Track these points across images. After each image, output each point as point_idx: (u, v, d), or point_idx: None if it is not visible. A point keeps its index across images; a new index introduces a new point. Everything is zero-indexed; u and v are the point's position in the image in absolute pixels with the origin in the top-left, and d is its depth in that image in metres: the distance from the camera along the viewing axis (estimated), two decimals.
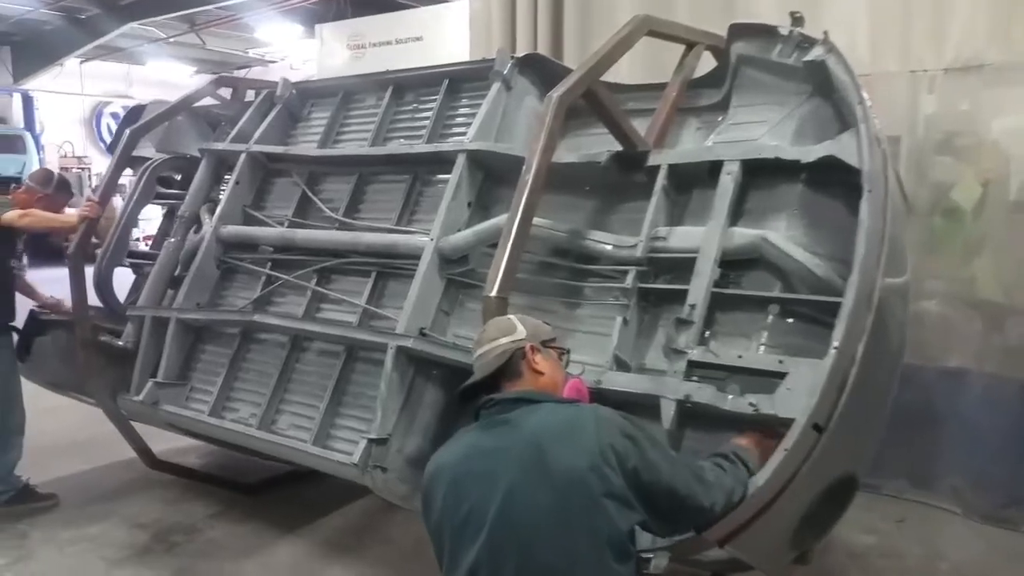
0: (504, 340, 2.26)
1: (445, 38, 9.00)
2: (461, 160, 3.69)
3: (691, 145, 3.55)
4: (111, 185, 4.63)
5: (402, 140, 4.27)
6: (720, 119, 3.57)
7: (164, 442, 5.36)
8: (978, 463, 4.70)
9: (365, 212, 4.22)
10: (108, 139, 21.63)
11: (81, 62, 20.04)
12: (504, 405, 2.15)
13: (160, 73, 21.15)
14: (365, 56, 9.95)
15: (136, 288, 5.48)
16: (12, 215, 4.49)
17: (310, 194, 4.38)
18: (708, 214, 3.11)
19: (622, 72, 4.51)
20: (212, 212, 4.71)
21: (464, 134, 3.95)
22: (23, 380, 4.90)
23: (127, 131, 4.63)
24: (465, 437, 2.20)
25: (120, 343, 4.60)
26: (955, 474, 4.79)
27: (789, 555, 3.01)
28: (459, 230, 3.65)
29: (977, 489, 4.73)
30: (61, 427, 6.18)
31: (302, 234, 4.20)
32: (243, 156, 4.59)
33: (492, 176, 3.81)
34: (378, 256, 3.91)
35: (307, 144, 4.60)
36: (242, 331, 4.23)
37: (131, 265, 5.05)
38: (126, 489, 5.39)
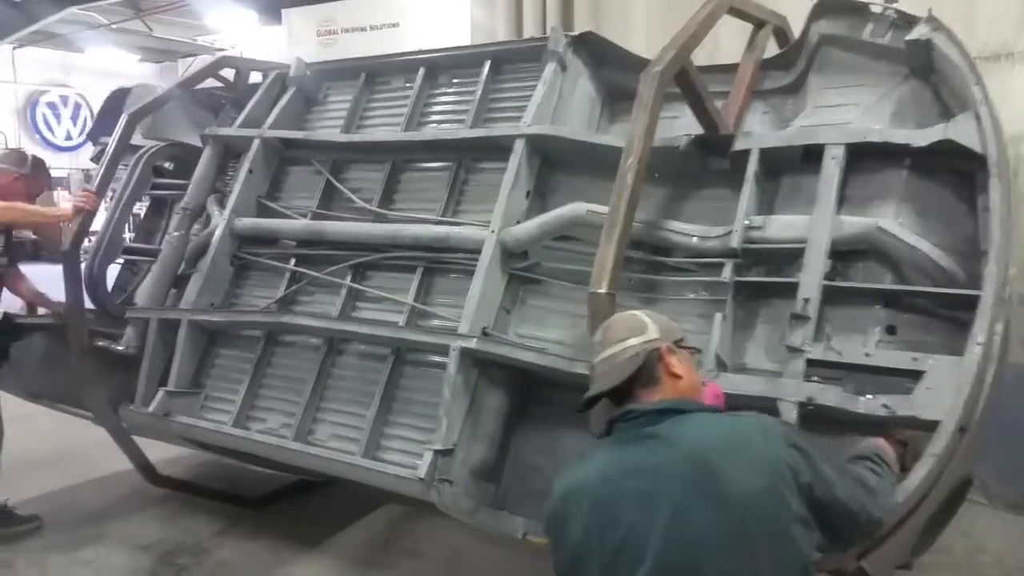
0: (635, 341, 2.01)
1: (423, 25, 8.65)
2: (520, 146, 3.41)
3: (760, 129, 3.35)
4: (108, 175, 4.20)
5: (439, 125, 3.97)
6: (790, 102, 3.40)
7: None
8: (1003, 453, 4.67)
9: (401, 203, 3.90)
10: (44, 131, 20.64)
11: (14, 48, 18.96)
12: (649, 417, 1.91)
13: (100, 61, 20.16)
14: (336, 43, 9.54)
15: (121, 286, 5.07)
16: None
17: (336, 183, 4.05)
18: (803, 202, 2.93)
19: None
20: (220, 203, 4.35)
21: (512, 118, 3.70)
22: None
23: (125, 115, 4.22)
24: (601, 454, 1.95)
25: (119, 348, 4.19)
26: (981, 464, 4.75)
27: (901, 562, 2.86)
28: (518, 221, 3.37)
29: (1003, 479, 4.70)
30: (33, 438, 5.67)
31: (334, 227, 3.86)
32: (256, 142, 4.23)
33: (548, 163, 3.54)
34: (425, 250, 3.61)
35: (328, 129, 4.25)
36: (267, 333, 3.89)
37: (125, 262, 4.62)
38: (118, 506, 5.01)
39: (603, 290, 2.44)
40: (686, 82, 2.87)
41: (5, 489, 4.53)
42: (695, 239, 3.05)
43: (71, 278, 4.01)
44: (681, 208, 3.29)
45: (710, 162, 3.17)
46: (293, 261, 4.03)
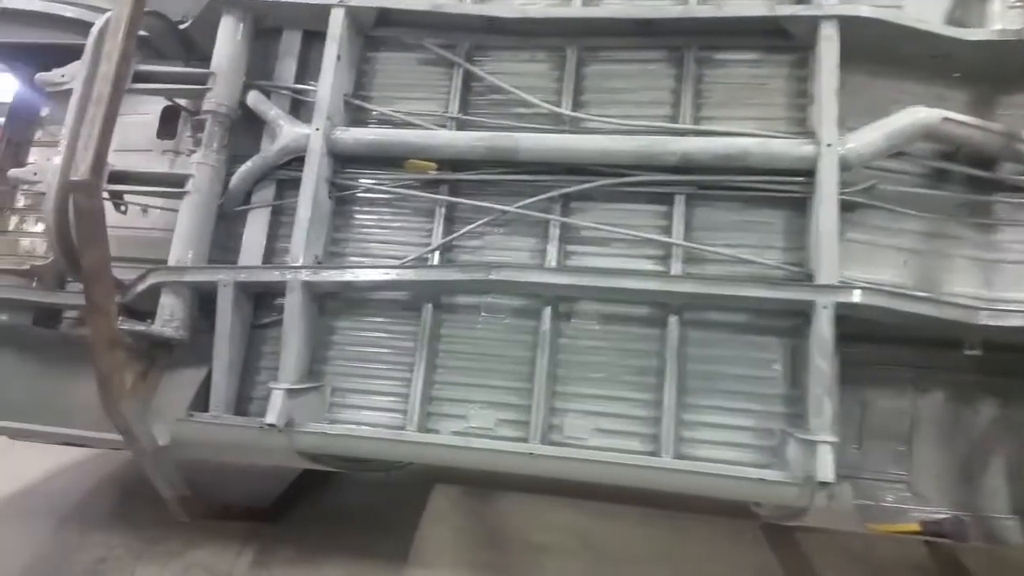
0: None
1: None
2: (830, 31, 2.59)
3: None
4: (126, 54, 2.56)
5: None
6: None
7: None
8: None
9: (595, 107, 2.84)
10: None
11: None
12: None
13: None
14: None
15: None
16: None
17: (491, 78, 2.87)
18: None
19: None
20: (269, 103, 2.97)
21: None
22: None
23: None
24: None
25: (165, 332, 2.72)
26: None
27: None
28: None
29: None
30: None
31: (531, 141, 2.70)
32: (339, 13, 2.87)
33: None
34: (693, 173, 2.66)
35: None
36: (433, 297, 2.71)
37: (111, 196, 2.98)
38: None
39: None
40: None
41: None
42: None
43: (92, 226, 2.42)
44: (996, 113, 2.74)
45: None
46: (445, 190, 2.84)
